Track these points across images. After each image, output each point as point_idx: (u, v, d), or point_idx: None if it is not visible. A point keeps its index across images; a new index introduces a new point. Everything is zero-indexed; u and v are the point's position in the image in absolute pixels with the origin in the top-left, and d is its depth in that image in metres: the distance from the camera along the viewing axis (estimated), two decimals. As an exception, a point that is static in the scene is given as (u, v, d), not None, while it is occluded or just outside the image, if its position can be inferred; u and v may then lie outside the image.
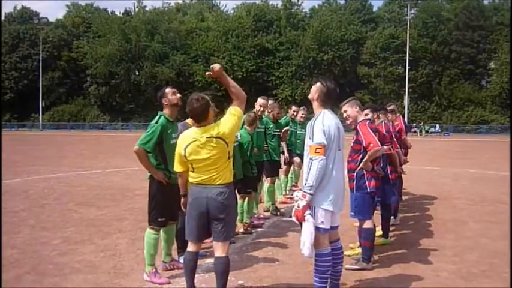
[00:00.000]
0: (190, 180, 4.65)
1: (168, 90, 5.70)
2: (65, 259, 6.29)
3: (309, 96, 4.88)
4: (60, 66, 77.33)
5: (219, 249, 4.58)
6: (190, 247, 4.73)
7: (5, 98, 75.56)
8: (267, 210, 9.34)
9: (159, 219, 5.45)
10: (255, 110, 8.33)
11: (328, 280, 4.76)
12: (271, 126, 9.08)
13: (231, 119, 4.63)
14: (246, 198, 7.78)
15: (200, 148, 4.52)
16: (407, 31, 63.21)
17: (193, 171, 4.60)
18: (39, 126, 72.80)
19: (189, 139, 4.58)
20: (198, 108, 4.56)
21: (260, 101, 8.55)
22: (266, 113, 8.89)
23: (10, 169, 16.77)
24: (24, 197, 11.15)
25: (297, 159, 10.13)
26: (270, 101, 9.01)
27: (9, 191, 11.88)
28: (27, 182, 13.65)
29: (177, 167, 4.76)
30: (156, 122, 5.50)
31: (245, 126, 7.54)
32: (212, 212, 4.53)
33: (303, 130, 10.55)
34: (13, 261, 6.18)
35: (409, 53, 62.42)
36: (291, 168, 11.04)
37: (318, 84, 4.81)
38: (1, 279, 3.98)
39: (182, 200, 4.90)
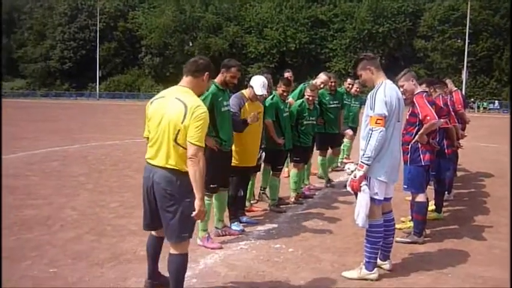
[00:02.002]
0: (145, 156, 4.00)
1: (234, 70, 5.70)
2: (122, 221, 6.55)
3: (363, 78, 4.80)
4: (117, 37, 78.75)
5: (171, 247, 3.92)
6: (152, 232, 4.20)
7: (64, 67, 77.90)
8: (321, 177, 9.37)
9: (211, 186, 5.52)
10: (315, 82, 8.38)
11: (379, 251, 4.77)
12: (327, 98, 8.98)
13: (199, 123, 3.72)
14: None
15: (161, 106, 3.86)
16: (468, 2, 60.48)
17: (148, 141, 3.99)
18: (96, 95, 74.83)
19: (159, 95, 4.05)
20: (198, 60, 4.06)
21: (323, 77, 8.58)
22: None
23: (69, 136, 17.44)
24: (83, 162, 11.58)
25: (349, 131, 10.04)
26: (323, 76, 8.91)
27: (68, 157, 12.38)
28: (85, 149, 14.14)
29: (146, 131, 4.07)
30: (207, 90, 5.56)
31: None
32: (158, 200, 3.84)
33: (356, 103, 10.42)
34: (73, 222, 6.48)
35: (469, 26, 59.89)
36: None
37: (361, 63, 4.76)
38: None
39: None
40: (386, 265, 4.92)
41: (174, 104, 3.77)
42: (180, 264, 3.91)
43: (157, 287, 4.26)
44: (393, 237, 4.97)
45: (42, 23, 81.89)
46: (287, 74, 9.03)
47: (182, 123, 3.68)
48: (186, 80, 3.98)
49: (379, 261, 4.84)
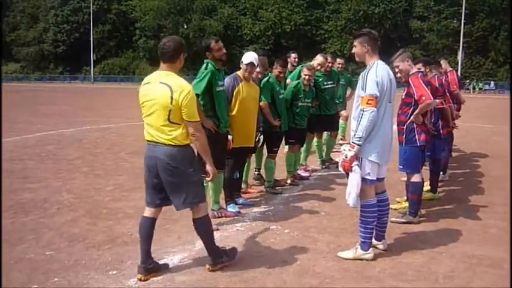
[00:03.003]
0: (145, 137, 4.24)
1: (213, 45, 5.62)
2: (118, 205, 6.56)
3: (356, 51, 4.74)
4: (110, 20, 78.07)
5: (192, 213, 4.32)
6: (146, 212, 4.36)
7: (57, 50, 77.29)
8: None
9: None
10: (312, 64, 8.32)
11: (374, 231, 4.80)
12: (321, 79, 8.88)
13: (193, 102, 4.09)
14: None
15: (149, 92, 4.10)
16: (464, -18, 60.27)
17: (145, 125, 4.22)
18: (90, 79, 74.36)
19: (145, 80, 4.22)
20: (171, 44, 4.12)
21: (320, 59, 8.53)
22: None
23: (64, 120, 17.41)
24: (78, 146, 11.57)
25: (344, 112, 10.01)
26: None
27: (64, 140, 12.37)
28: (80, 132, 14.12)
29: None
30: (206, 68, 5.54)
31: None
32: (162, 175, 4.13)
33: (342, 82, 10.29)
34: (69, 205, 6.49)
35: (465, 6, 59.54)
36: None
37: (362, 37, 4.71)
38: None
39: None
40: (381, 245, 4.95)
41: (160, 88, 4.03)
42: (205, 225, 4.35)
43: (151, 272, 4.28)
44: (387, 217, 4.99)
45: (35, 5, 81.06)
46: (293, 55, 8.96)
47: (171, 103, 3.97)
48: (164, 66, 4.16)
49: (374, 242, 4.87)
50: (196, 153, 4.37)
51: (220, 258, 4.43)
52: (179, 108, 3.98)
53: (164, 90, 3.99)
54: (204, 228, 4.36)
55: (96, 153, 10.53)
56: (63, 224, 5.69)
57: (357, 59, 4.80)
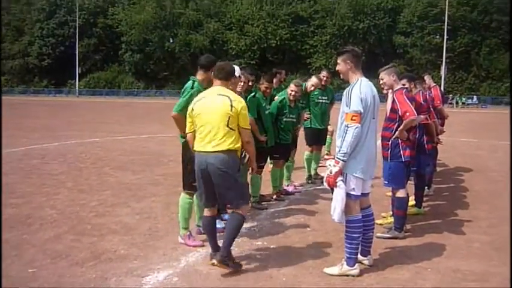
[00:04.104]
0: (195, 147, 4.82)
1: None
2: (102, 220, 6.49)
3: (340, 69, 4.79)
4: (96, 33, 77.97)
5: (235, 208, 4.84)
6: (205, 212, 4.96)
7: (42, 64, 76.87)
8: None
9: (193, 184, 5.46)
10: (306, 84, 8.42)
11: (359, 247, 4.80)
12: (316, 93, 8.92)
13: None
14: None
15: (207, 104, 4.72)
16: (446, -1, 61.22)
17: (196, 136, 4.81)
18: (75, 92, 73.99)
19: (200, 96, 4.88)
20: (226, 66, 4.95)
21: (314, 80, 8.63)
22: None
23: (49, 134, 17.26)
24: (62, 160, 11.45)
25: (329, 127, 10.05)
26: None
27: (48, 155, 12.23)
28: (65, 146, 13.99)
29: (188, 128, 4.92)
30: (192, 87, 5.52)
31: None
32: (213, 178, 4.67)
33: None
34: (53, 221, 6.41)
35: (447, 22, 60.42)
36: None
37: (345, 55, 4.76)
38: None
39: None
40: (366, 261, 4.95)
41: (220, 99, 4.70)
42: (238, 221, 4.77)
43: (225, 262, 4.70)
44: (373, 232, 5.00)
45: (20, 19, 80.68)
46: (283, 72, 8.99)
47: (231, 110, 4.62)
48: (219, 83, 4.87)
49: (360, 257, 4.87)
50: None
51: (228, 259, 4.71)
52: (237, 115, 4.64)
53: (224, 99, 4.66)
54: (235, 224, 4.76)
55: (80, 168, 10.44)
56: (46, 240, 5.62)
57: (341, 76, 4.84)
